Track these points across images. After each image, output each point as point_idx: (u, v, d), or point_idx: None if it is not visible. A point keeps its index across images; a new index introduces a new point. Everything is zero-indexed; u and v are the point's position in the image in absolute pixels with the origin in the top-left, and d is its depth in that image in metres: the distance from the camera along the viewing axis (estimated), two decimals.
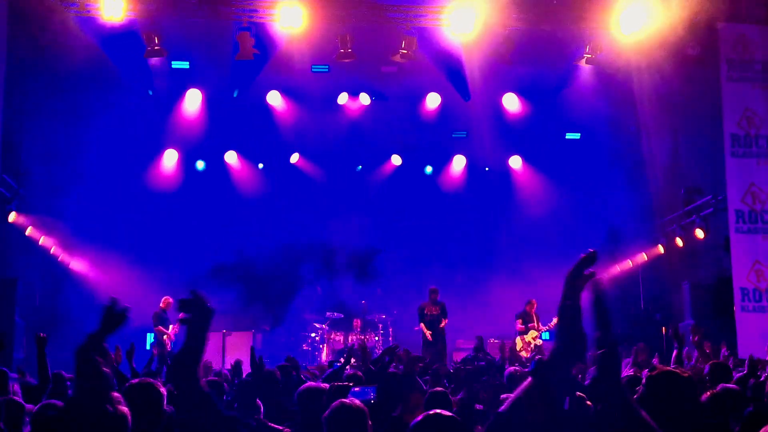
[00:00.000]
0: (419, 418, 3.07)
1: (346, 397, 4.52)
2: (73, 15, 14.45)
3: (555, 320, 13.24)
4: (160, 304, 15.58)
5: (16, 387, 7.39)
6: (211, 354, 15.76)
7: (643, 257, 18.48)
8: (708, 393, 5.34)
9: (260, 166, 19.72)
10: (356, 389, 5.98)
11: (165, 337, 15.22)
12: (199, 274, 18.14)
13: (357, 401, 4.03)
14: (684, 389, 3.57)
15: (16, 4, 13.65)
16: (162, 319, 15.39)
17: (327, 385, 5.57)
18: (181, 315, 3.12)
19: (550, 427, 2.71)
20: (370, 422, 3.98)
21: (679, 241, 17.08)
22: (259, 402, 6.01)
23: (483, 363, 11.73)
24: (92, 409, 3.04)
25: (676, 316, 16.70)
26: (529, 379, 2.73)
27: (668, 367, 3.81)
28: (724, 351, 11.64)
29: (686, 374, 3.71)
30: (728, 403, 5.12)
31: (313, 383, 5.79)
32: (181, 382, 2.91)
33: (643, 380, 3.65)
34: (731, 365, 8.62)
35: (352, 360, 10.92)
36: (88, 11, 14.32)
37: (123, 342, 8.86)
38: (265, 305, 18.56)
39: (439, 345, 15.92)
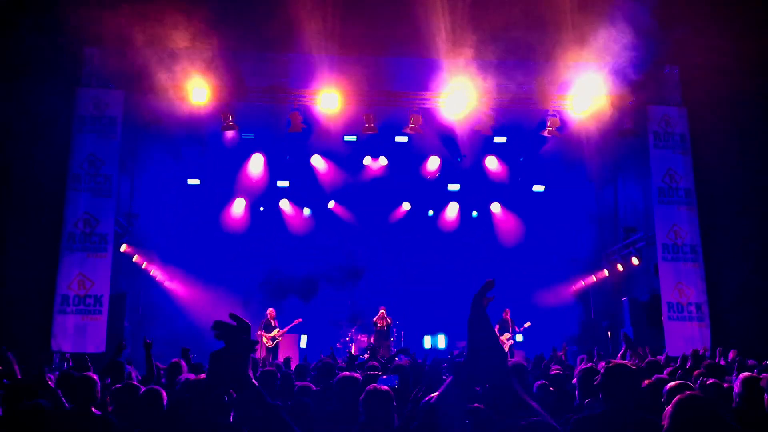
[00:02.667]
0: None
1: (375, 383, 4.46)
2: (170, 99, 14.71)
3: (527, 324, 13.19)
4: (266, 314, 15.52)
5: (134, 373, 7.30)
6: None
7: (593, 279, 18.35)
8: (646, 381, 5.28)
9: (306, 210, 19.80)
10: (384, 377, 5.90)
11: (264, 339, 15.04)
12: (260, 289, 18.20)
13: (385, 386, 3.99)
14: (631, 377, 3.56)
15: (129, 93, 13.92)
16: (266, 325, 15.27)
17: (358, 375, 5.51)
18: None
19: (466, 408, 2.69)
20: (395, 403, 3.94)
21: (620, 267, 16.95)
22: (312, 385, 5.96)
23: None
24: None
25: (619, 324, 16.51)
26: (450, 378, 2.70)
27: (620, 361, 3.77)
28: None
29: (633, 366, 3.69)
30: (660, 388, 5.06)
31: (347, 373, 5.74)
32: (234, 381, 2.71)
33: (601, 371, 3.63)
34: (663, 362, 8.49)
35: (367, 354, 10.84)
36: (181, 98, 14.55)
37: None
38: (310, 313, 18.49)
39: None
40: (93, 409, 4.44)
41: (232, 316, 2.51)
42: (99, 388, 4.60)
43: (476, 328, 2.71)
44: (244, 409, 2.84)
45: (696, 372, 5.80)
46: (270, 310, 15.55)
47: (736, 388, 4.27)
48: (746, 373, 4.35)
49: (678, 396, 3.20)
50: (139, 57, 13.37)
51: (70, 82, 13.50)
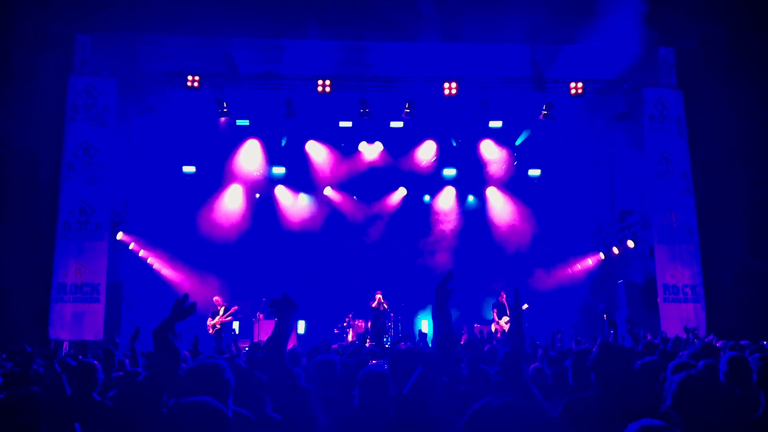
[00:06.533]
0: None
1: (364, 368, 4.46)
2: (164, 86, 14.74)
3: (524, 306, 13.31)
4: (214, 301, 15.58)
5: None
6: (267, 335, 15.75)
7: (588, 262, 18.45)
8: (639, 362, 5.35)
9: (302, 196, 19.71)
10: (373, 362, 5.88)
11: (208, 325, 15.17)
12: (255, 276, 18.24)
13: (379, 369, 3.99)
14: (624, 359, 3.61)
15: (122, 80, 13.91)
16: (213, 313, 15.34)
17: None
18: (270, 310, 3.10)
19: (437, 399, 2.77)
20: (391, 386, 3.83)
21: (615, 250, 17.04)
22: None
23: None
24: (167, 373, 3.03)
25: (614, 307, 16.63)
26: (420, 367, 2.78)
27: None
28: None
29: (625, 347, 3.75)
30: (652, 369, 5.14)
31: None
32: (272, 360, 2.90)
33: (595, 350, 3.68)
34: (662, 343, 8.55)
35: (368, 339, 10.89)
36: (175, 84, 14.57)
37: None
38: (306, 299, 18.51)
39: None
40: (94, 395, 4.52)
41: (285, 295, 2.71)
42: (100, 374, 4.67)
43: (440, 319, 2.81)
44: (276, 389, 2.96)
45: (686, 353, 5.88)
46: (216, 298, 15.55)
47: (723, 368, 4.34)
48: (732, 353, 4.44)
49: (680, 376, 3.25)
50: (132, 44, 13.36)
51: (62, 70, 13.46)
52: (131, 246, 15.64)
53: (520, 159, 19.21)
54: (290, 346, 11.57)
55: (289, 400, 2.91)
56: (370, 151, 19.08)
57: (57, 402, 4.39)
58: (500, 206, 19.65)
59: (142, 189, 16.63)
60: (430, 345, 7.43)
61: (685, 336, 8.99)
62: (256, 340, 14.53)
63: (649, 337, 11.07)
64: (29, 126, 12.70)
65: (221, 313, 15.21)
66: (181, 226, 17.70)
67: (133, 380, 4.77)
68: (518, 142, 18.72)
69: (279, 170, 18.90)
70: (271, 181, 19.16)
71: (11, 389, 4.60)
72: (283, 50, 14.31)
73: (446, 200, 20.00)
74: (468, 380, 5.49)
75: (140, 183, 16.50)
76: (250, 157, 18.44)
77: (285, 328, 2.93)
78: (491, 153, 18.95)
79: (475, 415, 2.08)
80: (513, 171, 19.31)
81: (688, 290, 13.83)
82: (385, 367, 6.05)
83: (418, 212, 19.90)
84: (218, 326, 15.10)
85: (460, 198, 20.00)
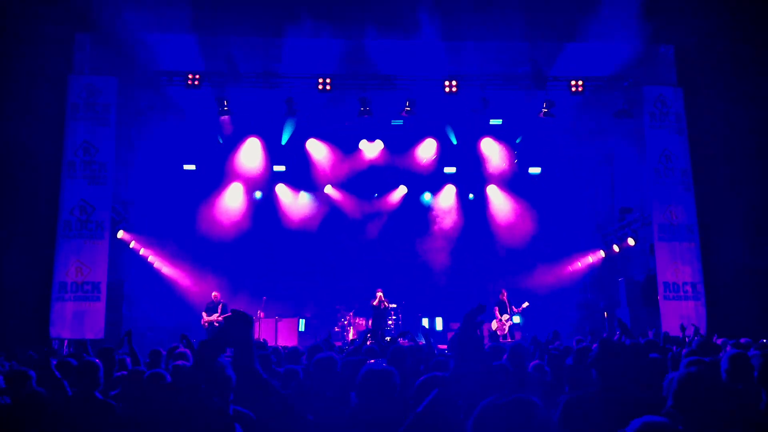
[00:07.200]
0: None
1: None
2: (164, 85, 14.74)
3: (525, 304, 13.35)
4: (212, 297, 15.54)
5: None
6: (267, 334, 15.76)
7: (589, 260, 18.45)
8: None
9: (302, 194, 19.67)
10: (371, 361, 5.80)
11: (203, 321, 15.16)
12: (255, 274, 18.22)
13: (383, 366, 3.88)
14: (625, 355, 3.60)
15: (123, 79, 13.89)
16: (209, 308, 15.27)
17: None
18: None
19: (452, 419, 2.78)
20: (397, 384, 3.63)
21: (616, 248, 17.04)
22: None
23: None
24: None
25: (615, 305, 16.64)
26: (436, 390, 2.78)
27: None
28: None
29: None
30: (653, 366, 5.15)
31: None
32: (242, 374, 2.85)
33: (594, 347, 3.68)
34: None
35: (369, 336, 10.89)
36: (176, 82, 14.56)
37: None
38: (307, 297, 18.51)
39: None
40: (96, 394, 4.51)
41: (234, 311, 2.68)
42: (102, 373, 4.67)
43: (466, 347, 2.81)
44: (253, 397, 2.93)
45: (685, 350, 5.89)
46: (215, 294, 15.51)
47: (725, 365, 4.34)
48: (733, 350, 4.44)
49: (680, 374, 3.24)
50: (132, 43, 13.35)
51: (62, 69, 13.44)
52: (132, 244, 15.62)
53: (520, 157, 19.21)
54: (290, 345, 11.60)
55: (266, 406, 2.86)
56: (371, 149, 19.08)
57: (60, 402, 4.40)
58: (501, 204, 19.61)
59: (143, 188, 16.62)
60: (421, 341, 7.35)
61: (682, 334, 9.00)
62: (256, 338, 14.50)
63: (651, 336, 11.09)
64: (30, 125, 12.70)
65: (219, 311, 15.19)
66: (181, 224, 17.69)
67: (139, 379, 4.76)
68: (519, 140, 18.73)
69: (279, 168, 18.88)
70: (271, 180, 19.11)
71: (15, 391, 4.60)
72: (283, 49, 14.29)
73: (447, 198, 19.96)
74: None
75: (141, 182, 16.48)
76: (250, 156, 18.43)
77: (244, 340, 2.85)
78: (491, 150, 18.94)
79: (482, 413, 2.07)
80: (513, 169, 19.30)
81: (688, 288, 13.82)
82: (384, 365, 6.01)
83: (418, 210, 19.85)
84: (216, 324, 15.08)
85: (461, 196, 19.96)
